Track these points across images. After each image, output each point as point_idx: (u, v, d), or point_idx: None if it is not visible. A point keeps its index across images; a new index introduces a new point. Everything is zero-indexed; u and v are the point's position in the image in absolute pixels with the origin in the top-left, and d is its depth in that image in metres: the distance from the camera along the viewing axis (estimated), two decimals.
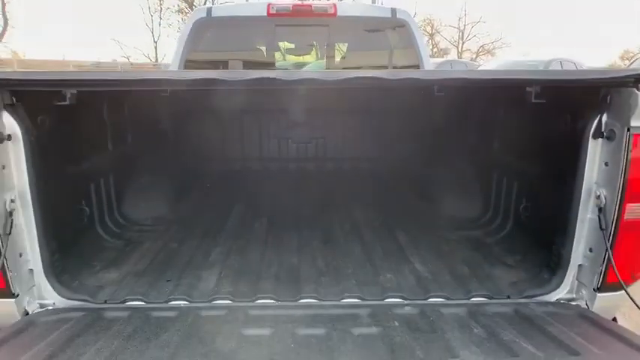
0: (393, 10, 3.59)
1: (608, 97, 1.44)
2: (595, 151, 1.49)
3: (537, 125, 1.89)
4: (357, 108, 2.84)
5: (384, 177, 3.11)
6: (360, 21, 3.61)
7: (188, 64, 3.39)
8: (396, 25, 3.61)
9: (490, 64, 11.41)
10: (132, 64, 28.44)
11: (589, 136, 1.48)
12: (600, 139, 1.47)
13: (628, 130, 1.37)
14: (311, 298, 1.65)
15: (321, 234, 2.28)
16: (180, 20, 31.41)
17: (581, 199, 1.53)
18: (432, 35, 38.35)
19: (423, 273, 1.84)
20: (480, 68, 11.81)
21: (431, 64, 3.67)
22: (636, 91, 1.34)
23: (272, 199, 2.79)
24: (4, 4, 24.63)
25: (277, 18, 3.47)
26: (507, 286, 1.71)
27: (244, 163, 3.33)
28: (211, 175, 3.16)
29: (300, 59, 4.37)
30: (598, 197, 1.48)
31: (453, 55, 36.31)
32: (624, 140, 1.38)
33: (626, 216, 1.42)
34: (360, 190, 2.94)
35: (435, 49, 38.77)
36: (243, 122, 3.34)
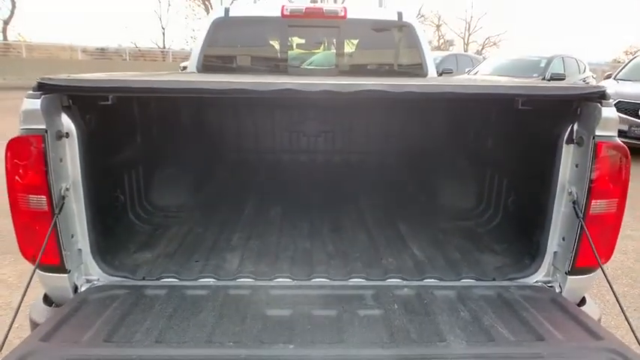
0: (400, 14, 3.83)
1: (579, 109, 1.69)
2: (568, 155, 1.75)
3: (523, 129, 2.14)
4: (365, 105, 3.09)
5: (388, 170, 3.38)
6: (369, 23, 3.85)
7: (206, 58, 3.68)
8: (401, 27, 3.84)
9: (494, 59, 11.55)
10: (139, 49, 28.53)
11: (563, 141, 1.73)
12: (572, 145, 1.73)
13: (593, 138, 1.62)
14: (322, 277, 1.91)
15: (330, 221, 2.56)
16: (189, 7, 31.48)
17: (556, 195, 1.79)
18: (438, 27, 38.25)
19: (420, 257, 2.12)
20: (484, 61, 11.95)
21: (432, 62, 3.90)
22: (599, 106, 1.60)
23: (285, 188, 3.05)
24: None
25: (290, 19, 3.71)
26: (493, 270, 1.98)
27: (259, 155, 3.58)
28: (228, 166, 3.42)
29: (311, 52, 4.62)
30: (570, 193, 1.74)
31: (458, 47, 36.14)
32: (590, 146, 1.63)
33: (592, 210, 1.68)
34: (365, 181, 3.20)
35: (441, 41, 38.69)
36: (258, 116, 3.59)
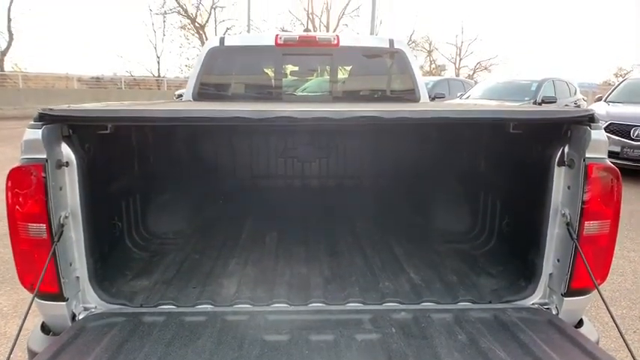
0: (391, 41, 3.94)
1: (569, 132, 1.73)
2: (560, 177, 1.78)
3: (516, 152, 2.17)
4: (359, 130, 3.14)
5: (384, 194, 3.40)
6: (361, 50, 3.96)
7: (202, 86, 3.75)
8: (393, 54, 3.95)
9: (485, 83, 11.78)
10: (134, 78, 28.94)
11: (555, 163, 1.77)
12: (563, 167, 1.76)
13: (584, 160, 1.65)
14: (319, 302, 1.91)
15: (326, 246, 2.56)
16: (183, 36, 32.18)
17: (550, 216, 1.81)
18: (430, 52, 39.12)
19: (417, 281, 2.11)
20: (476, 86, 12.18)
21: (424, 87, 3.98)
22: (589, 129, 1.64)
23: (281, 213, 3.06)
24: (9, 20, 25.20)
25: (285, 48, 3.80)
26: (489, 293, 1.98)
27: (254, 181, 3.61)
28: (224, 192, 3.43)
29: (305, 79, 4.72)
30: (563, 215, 1.76)
31: (450, 72, 36.87)
32: (581, 168, 1.66)
33: (585, 231, 1.70)
34: (361, 206, 3.22)
35: (433, 66, 39.50)
36: (253, 143, 3.63)
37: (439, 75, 29.66)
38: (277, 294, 1.97)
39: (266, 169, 3.66)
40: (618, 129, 7.44)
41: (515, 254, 2.13)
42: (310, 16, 30.58)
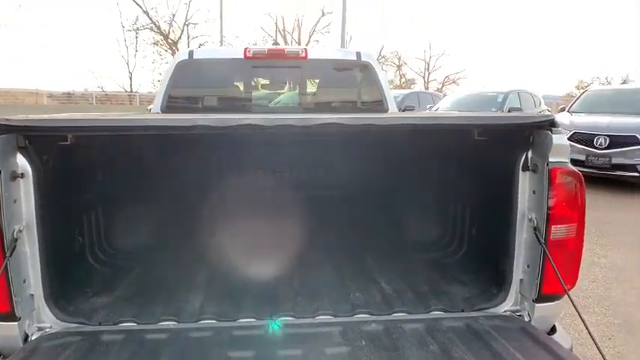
0: (358, 53, 3.98)
1: (531, 137, 1.74)
2: (525, 182, 1.78)
3: (482, 159, 2.17)
4: (328, 141, 3.12)
5: (354, 205, 3.36)
6: (329, 63, 3.97)
7: (170, 99, 3.67)
8: (360, 66, 3.97)
9: (453, 95, 12.11)
10: (106, 93, 28.41)
11: (519, 168, 1.77)
12: (528, 172, 1.76)
13: (547, 164, 1.66)
14: (288, 316, 1.83)
15: (296, 258, 2.48)
16: (156, 52, 31.90)
17: (517, 222, 1.80)
18: (399, 67, 40.04)
19: (388, 291, 2.06)
20: (444, 98, 12.49)
21: (392, 98, 4.02)
22: (550, 133, 1.64)
23: (249, 226, 2.97)
24: None
25: (254, 60, 3.77)
26: (461, 301, 1.95)
27: (221, 193, 3.51)
28: (191, 206, 3.32)
29: (275, 91, 4.70)
30: (530, 220, 1.75)
31: (419, 86, 37.77)
32: (545, 173, 1.66)
33: (552, 236, 1.69)
34: (331, 217, 3.16)
35: (402, 80, 40.41)
36: (220, 155, 3.55)
37: (409, 88, 30.32)
38: (244, 308, 1.89)
39: (234, 181, 3.58)
40: (582, 138, 7.68)
41: (486, 261, 2.11)
42: (282, 32, 30.93)
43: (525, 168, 1.76)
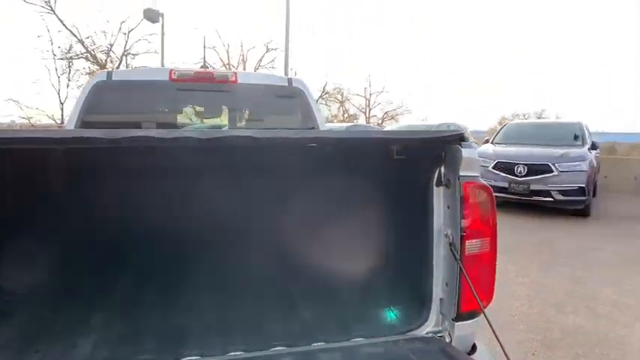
0: (290, 80, 3.96)
1: (443, 153, 1.75)
2: (439, 197, 1.78)
3: (402, 177, 2.17)
4: (246, 167, 2.99)
5: (271, 228, 3.20)
6: (259, 88, 3.90)
7: (84, 124, 3.34)
8: (292, 93, 3.95)
9: (390, 128, 12.61)
10: (33, 125, 26.31)
11: (433, 184, 1.77)
12: (442, 187, 1.76)
13: (458, 178, 1.67)
14: (194, 355, 1.63)
15: (206, 289, 2.28)
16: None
17: (435, 239, 1.78)
18: (342, 103, 41.40)
19: (308, 319, 1.94)
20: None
21: (325, 127, 4.01)
22: (460, 148, 1.67)
23: (157, 258, 2.71)
24: None
25: (179, 83, 3.61)
26: (383, 325, 1.88)
27: (125, 223, 3.20)
28: (92, 237, 2.99)
29: (204, 121, 4.50)
30: (446, 236, 1.74)
31: (361, 121, 39.20)
32: (457, 187, 1.67)
33: (467, 251, 1.68)
34: (247, 242, 3.00)
35: (345, 115, 41.72)
36: (128, 182, 3.26)
37: (351, 122, 31.31)
38: (143, 350, 1.66)
39: (142, 211, 3.28)
40: (504, 166, 8.25)
41: (408, 282, 2.06)
42: (227, 66, 30.84)
43: (439, 183, 1.76)
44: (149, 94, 3.70)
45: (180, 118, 4.01)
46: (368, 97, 41.06)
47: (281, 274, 2.46)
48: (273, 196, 3.11)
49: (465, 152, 1.66)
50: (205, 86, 3.72)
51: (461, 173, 1.66)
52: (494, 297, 1.78)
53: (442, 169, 1.76)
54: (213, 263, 2.49)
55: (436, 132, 1.87)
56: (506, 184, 8.04)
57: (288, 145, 1.59)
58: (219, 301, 2.14)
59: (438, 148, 1.77)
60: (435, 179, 1.76)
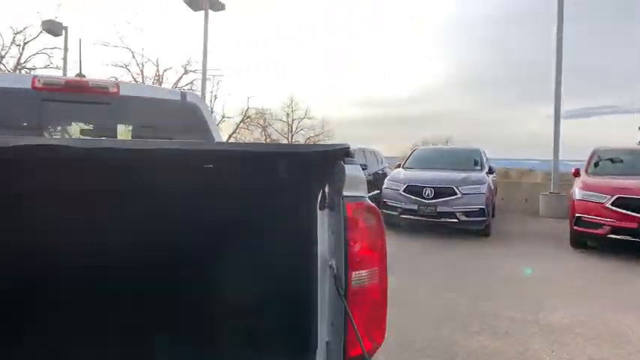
0: (183, 94, 3.58)
1: (327, 170, 1.52)
2: (324, 222, 1.53)
3: (288, 200, 1.90)
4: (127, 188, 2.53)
5: (138, 266, 2.74)
6: (147, 102, 3.46)
7: None
8: (186, 108, 3.57)
9: None
10: None
11: (317, 207, 1.51)
12: (326, 210, 1.52)
13: (342, 199, 1.44)
14: None
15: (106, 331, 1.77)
16: None
17: (319, 271, 1.51)
18: (264, 128, 41.23)
19: None
20: None
21: None
22: (343, 164, 1.44)
23: (57, 302, 2.13)
24: None
25: (45, 92, 3.06)
26: None
27: (24, 257, 2.55)
28: None
29: (73, 132, 3.88)
30: (331, 267, 1.48)
31: None
32: (341, 208, 1.44)
33: (353, 284, 1.44)
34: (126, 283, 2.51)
35: (268, 140, 41.53)
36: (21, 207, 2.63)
37: None
38: None
39: (43, 242, 2.64)
40: (414, 190, 8.51)
41: (295, 323, 1.77)
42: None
43: (323, 206, 1.52)
44: (4, 105, 3.08)
45: (47, 136, 3.39)
46: (290, 122, 41.48)
47: (161, 323, 2.01)
48: (146, 229, 2.61)
49: (349, 169, 1.44)
50: (78, 97, 3.20)
51: (345, 193, 1.43)
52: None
53: (326, 188, 1.52)
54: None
55: (318, 146, 1.63)
56: (415, 207, 8.27)
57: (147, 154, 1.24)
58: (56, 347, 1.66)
59: (320, 165, 1.53)
60: (319, 201, 1.51)
